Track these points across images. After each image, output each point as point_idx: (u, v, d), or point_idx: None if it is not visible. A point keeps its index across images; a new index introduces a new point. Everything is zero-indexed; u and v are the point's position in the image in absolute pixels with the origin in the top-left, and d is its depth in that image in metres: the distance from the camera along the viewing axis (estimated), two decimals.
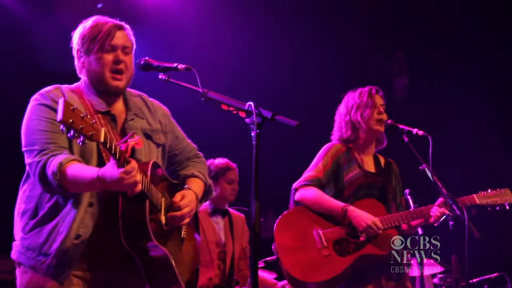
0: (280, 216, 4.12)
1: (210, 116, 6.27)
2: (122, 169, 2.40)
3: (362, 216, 3.93)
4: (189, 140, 3.22)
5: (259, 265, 5.45)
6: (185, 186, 3.01)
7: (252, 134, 2.57)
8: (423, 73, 7.79)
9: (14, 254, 2.78)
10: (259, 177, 2.51)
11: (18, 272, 2.76)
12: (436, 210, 3.98)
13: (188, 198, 2.89)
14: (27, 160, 2.66)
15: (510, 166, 7.25)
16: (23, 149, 2.69)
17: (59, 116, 2.15)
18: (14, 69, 6.33)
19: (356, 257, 3.91)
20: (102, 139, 2.31)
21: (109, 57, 2.76)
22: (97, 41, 2.74)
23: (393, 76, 8.19)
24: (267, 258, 4.14)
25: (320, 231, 4.00)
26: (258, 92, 6.45)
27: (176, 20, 7.19)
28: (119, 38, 2.79)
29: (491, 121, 7.37)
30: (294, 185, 4.14)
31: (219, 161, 5.56)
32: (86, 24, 2.83)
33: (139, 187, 2.51)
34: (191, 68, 2.80)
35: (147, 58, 2.88)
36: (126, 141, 2.44)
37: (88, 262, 2.70)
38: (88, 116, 2.27)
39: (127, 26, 2.89)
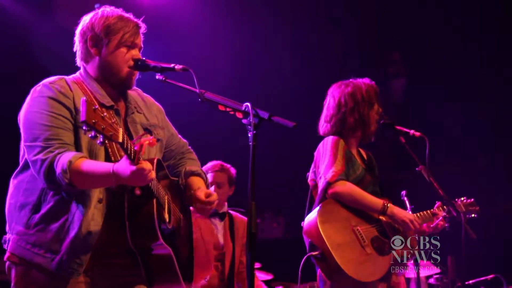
0: (319, 207, 3.83)
1: (207, 117, 6.27)
2: (134, 168, 2.40)
3: (403, 212, 3.91)
4: (179, 136, 3.23)
5: (256, 266, 5.45)
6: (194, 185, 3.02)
7: (249, 135, 2.57)
8: (420, 75, 7.80)
9: (15, 249, 2.65)
10: (256, 178, 2.51)
11: (16, 269, 2.64)
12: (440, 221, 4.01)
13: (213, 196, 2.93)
14: (30, 157, 2.59)
15: (509, 167, 7.26)
16: (24, 143, 2.65)
17: (82, 117, 2.19)
18: (13, 69, 6.32)
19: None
20: (120, 140, 2.32)
21: (130, 53, 2.81)
22: (123, 35, 2.77)
23: (390, 77, 8.20)
24: (313, 253, 3.78)
25: (358, 228, 3.86)
26: (255, 92, 6.46)
27: (173, 21, 7.19)
28: (140, 38, 2.87)
29: (490, 122, 7.38)
30: (328, 178, 3.84)
31: (212, 163, 5.65)
32: (108, 14, 2.81)
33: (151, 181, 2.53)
34: (188, 69, 2.79)
35: (144, 58, 2.87)
36: (139, 140, 2.43)
37: (95, 261, 2.64)
38: (107, 116, 2.29)
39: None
